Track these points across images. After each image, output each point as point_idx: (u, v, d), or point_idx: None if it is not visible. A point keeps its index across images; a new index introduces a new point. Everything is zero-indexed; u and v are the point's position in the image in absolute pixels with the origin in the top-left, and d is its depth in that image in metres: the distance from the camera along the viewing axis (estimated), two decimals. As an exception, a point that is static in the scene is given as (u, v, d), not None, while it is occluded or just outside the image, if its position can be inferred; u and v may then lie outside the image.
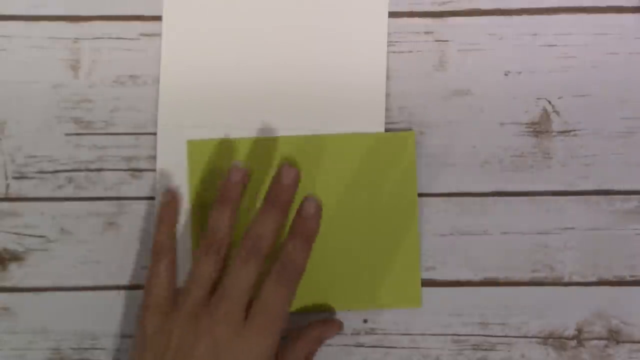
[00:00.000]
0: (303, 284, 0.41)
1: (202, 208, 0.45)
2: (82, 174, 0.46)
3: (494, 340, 0.46)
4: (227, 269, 0.41)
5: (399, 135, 0.45)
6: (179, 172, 0.46)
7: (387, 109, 0.46)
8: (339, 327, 0.45)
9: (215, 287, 0.41)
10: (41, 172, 0.46)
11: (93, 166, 0.46)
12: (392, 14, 0.46)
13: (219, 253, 0.41)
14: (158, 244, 0.43)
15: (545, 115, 0.46)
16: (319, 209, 0.42)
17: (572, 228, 0.46)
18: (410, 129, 0.46)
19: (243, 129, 0.46)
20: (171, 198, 0.44)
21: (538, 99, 0.46)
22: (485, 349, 0.46)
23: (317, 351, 0.44)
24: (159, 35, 0.46)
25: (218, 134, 0.45)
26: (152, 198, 0.46)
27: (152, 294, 0.42)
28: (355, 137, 0.45)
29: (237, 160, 0.45)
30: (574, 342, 0.46)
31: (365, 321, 0.46)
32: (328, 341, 0.45)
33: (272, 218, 0.41)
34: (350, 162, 0.45)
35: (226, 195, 0.42)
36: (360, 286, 0.45)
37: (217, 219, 0.42)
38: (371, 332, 0.46)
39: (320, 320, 0.45)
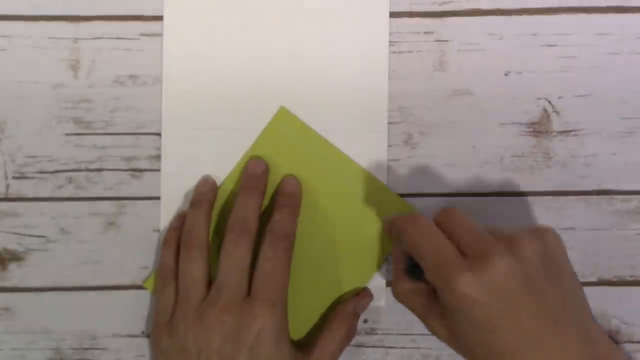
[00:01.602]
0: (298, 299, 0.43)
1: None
2: (82, 174, 0.46)
3: (494, 340, 0.46)
4: (219, 259, 0.42)
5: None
6: (183, 171, 0.46)
7: (387, 109, 0.46)
8: (370, 296, 0.45)
9: (208, 283, 0.42)
10: (41, 172, 0.46)
11: (93, 166, 0.46)
12: (392, 14, 0.46)
13: (202, 250, 0.42)
14: (163, 266, 0.44)
15: (545, 115, 0.46)
16: (297, 185, 0.45)
17: (572, 228, 0.46)
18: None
19: (244, 129, 0.46)
20: (179, 222, 0.45)
21: (538, 99, 0.46)
22: (485, 349, 0.46)
23: (357, 325, 0.45)
24: (159, 35, 0.46)
25: (220, 133, 0.46)
26: (152, 198, 0.46)
27: (161, 311, 0.42)
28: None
29: (206, 176, 0.45)
30: (574, 342, 0.46)
31: (365, 321, 0.46)
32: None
33: (252, 200, 0.43)
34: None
35: (199, 199, 0.44)
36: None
37: (193, 219, 0.43)
38: (371, 332, 0.46)
39: (350, 296, 0.45)
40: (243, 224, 0.42)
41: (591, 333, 0.36)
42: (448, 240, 0.37)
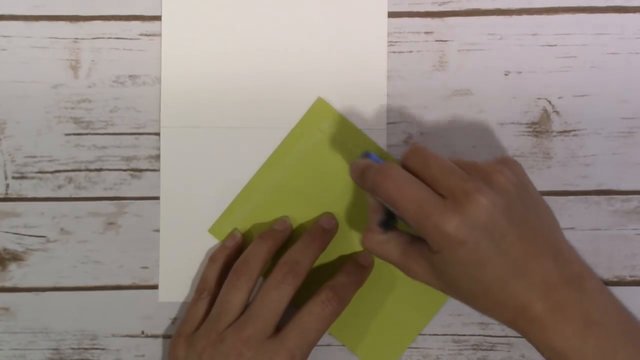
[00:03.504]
0: None
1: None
2: (82, 174, 0.46)
3: (494, 340, 0.46)
4: (259, 291, 0.42)
5: None
6: (182, 171, 0.46)
7: (387, 109, 0.46)
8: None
9: (242, 313, 0.42)
10: (41, 172, 0.46)
11: (93, 166, 0.46)
12: (392, 14, 0.46)
13: (250, 282, 0.42)
14: (204, 281, 0.44)
15: (545, 115, 0.46)
16: (372, 263, 0.45)
17: (572, 228, 0.46)
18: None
19: (244, 127, 0.46)
20: (233, 243, 0.45)
21: (538, 99, 0.46)
22: (485, 349, 0.46)
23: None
24: (159, 35, 0.46)
25: (219, 132, 0.46)
26: (152, 198, 0.46)
27: (187, 322, 0.43)
28: None
29: (285, 217, 0.45)
30: (574, 342, 0.46)
31: (365, 321, 0.46)
32: (328, 341, 0.46)
33: (312, 249, 0.43)
34: None
35: (269, 234, 0.44)
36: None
37: (254, 250, 0.43)
38: (371, 332, 0.46)
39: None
40: (294, 267, 0.42)
41: (565, 253, 0.37)
42: (425, 186, 0.37)
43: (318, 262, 0.44)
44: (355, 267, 0.44)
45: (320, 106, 0.45)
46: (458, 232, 0.35)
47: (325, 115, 0.45)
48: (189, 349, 0.41)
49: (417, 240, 0.39)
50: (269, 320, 0.40)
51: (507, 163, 0.38)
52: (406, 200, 0.36)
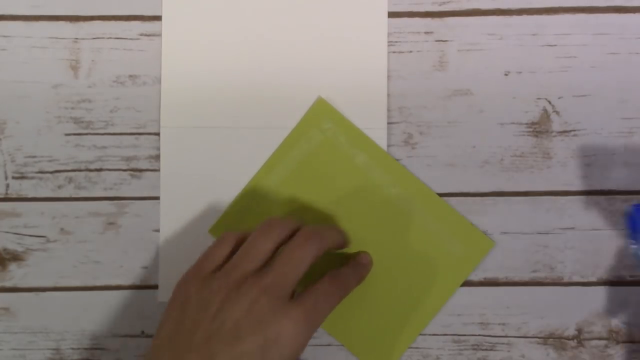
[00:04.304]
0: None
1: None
2: (82, 174, 0.46)
3: (494, 340, 0.46)
4: (283, 248, 0.40)
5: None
6: (182, 171, 0.46)
7: (387, 109, 0.46)
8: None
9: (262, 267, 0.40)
10: (41, 172, 0.46)
11: (93, 166, 0.46)
12: (392, 14, 0.46)
13: (278, 236, 0.41)
14: (228, 234, 0.42)
15: (545, 115, 0.46)
16: (370, 260, 0.45)
17: (572, 228, 0.46)
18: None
19: (244, 127, 0.46)
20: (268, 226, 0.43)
21: (538, 99, 0.46)
22: (485, 349, 0.46)
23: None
24: (158, 35, 0.46)
25: (219, 132, 0.46)
26: (152, 198, 0.46)
27: (206, 260, 0.41)
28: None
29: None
30: (574, 342, 0.46)
31: (365, 321, 0.46)
32: (328, 341, 0.46)
33: (335, 230, 0.43)
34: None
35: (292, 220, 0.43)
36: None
37: (291, 217, 0.43)
38: (371, 332, 0.46)
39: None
40: (319, 232, 0.41)
41: None
42: None
43: (318, 263, 0.44)
44: (356, 264, 0.44)
45: (320, 106, 0.45)
46: None
47: (325, 115, 0.45)
48: (203, 288, 0.39)
49: None
50: (290, 276, 0.39)
51: None
52: None
